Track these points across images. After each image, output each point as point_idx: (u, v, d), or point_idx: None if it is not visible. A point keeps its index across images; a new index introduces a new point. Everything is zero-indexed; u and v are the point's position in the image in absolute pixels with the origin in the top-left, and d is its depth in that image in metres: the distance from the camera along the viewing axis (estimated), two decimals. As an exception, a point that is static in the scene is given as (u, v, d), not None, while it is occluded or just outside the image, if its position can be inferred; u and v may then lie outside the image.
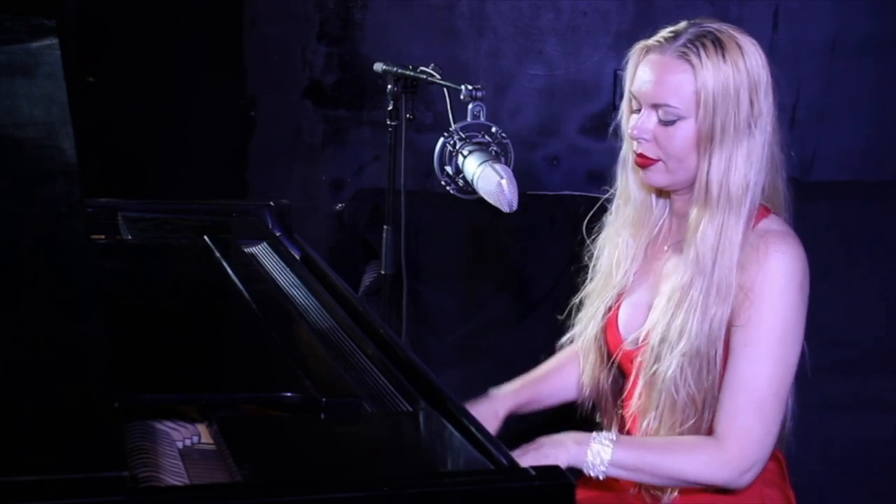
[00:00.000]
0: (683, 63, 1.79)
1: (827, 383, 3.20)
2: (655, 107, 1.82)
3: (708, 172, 1.80)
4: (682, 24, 1.83)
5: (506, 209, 1.95)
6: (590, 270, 2.06)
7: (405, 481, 1.26)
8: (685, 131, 1.80)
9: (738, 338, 1.80)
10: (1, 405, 1.20)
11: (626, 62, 1.88)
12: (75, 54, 3.55)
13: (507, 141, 2.10)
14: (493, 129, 2.11)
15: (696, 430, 1.83)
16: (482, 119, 2.12)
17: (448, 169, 2.11)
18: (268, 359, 1.62)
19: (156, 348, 1.61)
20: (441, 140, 2.12)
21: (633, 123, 1.86)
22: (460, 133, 2.10)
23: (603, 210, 2.06)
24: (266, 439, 1.42)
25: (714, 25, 1.82)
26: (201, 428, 1.49)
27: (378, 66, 2.55)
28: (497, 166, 1.97)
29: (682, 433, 1.83)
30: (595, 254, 2.05)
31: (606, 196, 2.04)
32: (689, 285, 1.82)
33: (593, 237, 2.07)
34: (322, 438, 1.44)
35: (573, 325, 2.08)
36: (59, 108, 1.87)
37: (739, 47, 1.79)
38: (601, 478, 1.78)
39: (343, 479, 1.28)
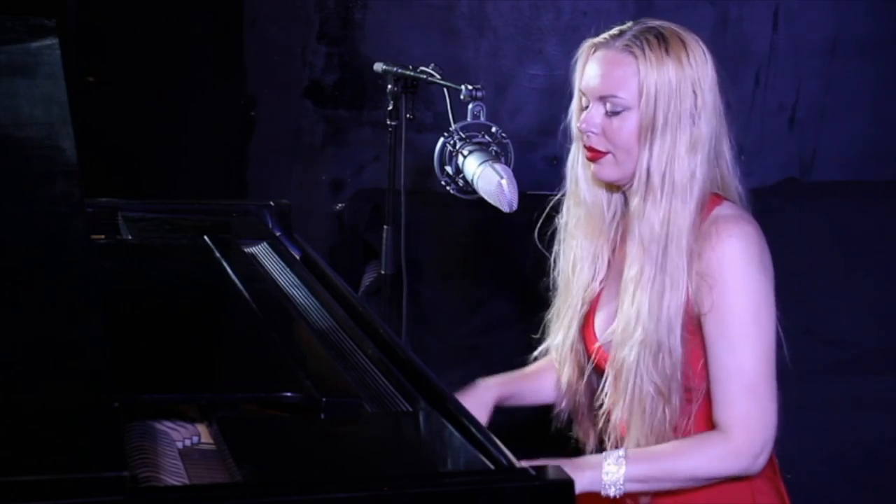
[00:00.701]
0: (628, 56, 1.84)
1: (827, 383, 3.20)
2: (602, 99, 1.86)
3: (649, 161, 1.83)
4: (629, 23, 1.89)
5: (506, 209, 1.95)
6: (553, 282, 2.07)
7: (405, 481, 1.26)
8: (631, 122, 1.84)
9: (710, 327, 1.82)
10: (1, 405, 1.20)
11: (575, 62, 1.93)
12: (75, 54, 3.55)
13: (507, 141, 2.10)
14: (493, 129, 2.11)
15: (665, 420, 1.85)
16: (482, 119, 2.12)
17: (448, 169, 2.11)
18: (268, 359, 1.62)
19: (156, 348, 1.61)
20: (441, 140, 2.12)
21: (582, 117, 1.90)
22: (460, 133, 2.10)
23: (550, 218, 2.06)
24: (266, 439, 1.42)
25: (658, 23, 1.88)
26: (201, 428, 1.49)
27: (378, 66, 2.55)
28: (497, 166, 1.97)
29: (653, 424, 1.85)
30: (553, 263, 2.06)
31: (554, 199, 2.04)
32: (641, 274, 1.84)
33: (546, 242, 2.07)
34: (322, 438, 1.44)
35: (545, 338, 2.09)
36: (59, 108, 1.86)
37: (682, 42, 1.84)
38: (619, 496, 1.79)
39: (343, 479, 1.29)
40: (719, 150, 1.89)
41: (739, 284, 1.81)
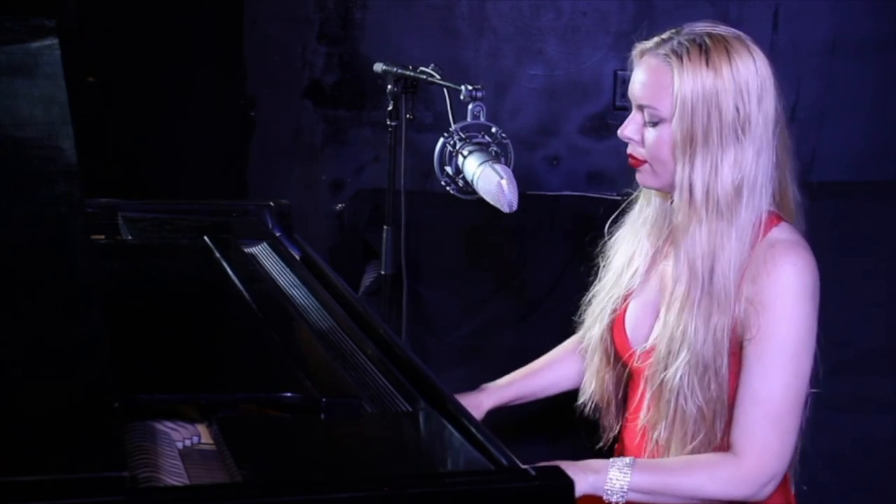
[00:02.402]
0: (665, 66, 1.80)
1: (827, 383, 3.19)
2: (641, 108, 1.84)
3: (690, 177, 1.79)
4: (682, 27, 1.84)
5: (506, 209, 1.95)
6: (600, 269, 2.06)
7: (405, 481, 1.26)
8: (666, 134, 1.81)
9: (750, 352, 1.79)
10: (1, 405, 1.20)
11: (630, 63, 1.89)
12: (75, 54, 3.55)
13: (507, 141, 2.10)
14: (493, 130, 2.11)
15: (707, 443, 1.83)
16: (482, 119, 2.12)
17: (448, 169, 2.11)
18: (268, 359, 1.62)
19: (156, 348, 1.61)
20: (441, 140, 2.12)
21: (623, 124, 1.87)
22: (460, 133, 2.10)
23: (623, 211, 2.05)
24: (266, 439, 1.42)
25: (709, 29, 1.82)
26: (201, 428, 1.49)
27: (378, 66, 2.55)
28: (497, 166, 1.97)
29: (694, 446, 1.83)
30: (608, 254, 2.05)
31: (631, 197, 2.03)
32: (687, 294, 1.81)
33: (605, 240, 2.06)
34: (322, 438, 1.44)
35: (581, 322, 2.08)
36: (59, 108, 1.86)
37: (727, 51, 1.78)
38: (621, 503, 1.77)
39: (343, 479, 1.29)
40: (780, 162, 1.83)
41: (788, 313, 1.77)
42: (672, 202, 1.88)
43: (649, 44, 1.84)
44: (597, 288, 2.05)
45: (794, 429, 1.80)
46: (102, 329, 1.36)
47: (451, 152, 2.10)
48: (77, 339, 1.35)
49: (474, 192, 2.04)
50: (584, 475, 1.76)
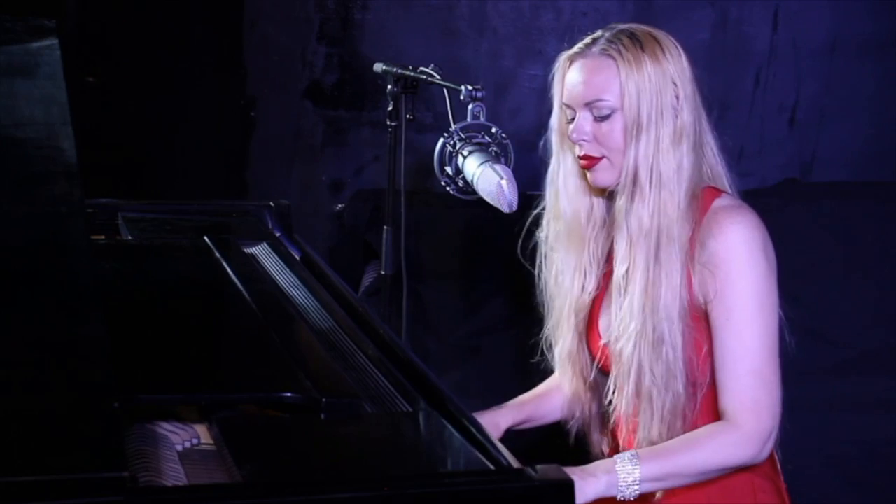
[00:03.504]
0: (606, 59, 1.86)
1: (827, 383, 3.20)
2: (588, 105, 1.88)
3: (636, 158, 1.85)
4: (598, 31, 1.91)
5: (506, 209, 1.95)
6: (545, 302, 2.07)
7: (405, 481, 1.26)
8: (619, 123, 1.86)
9: (715, 314, 1.83)
10: (1, 405, 1.20)
11: (552, 77, 1.94)
12: (75, 54, 3.55)
13: (507, 141, 2.11)
14: (493, 130, 2.11)
15: (675, 411, 1.86)
16: (482, 119, 2.12)
17: (448, 169, 2.11)
18: (268, 359, 1.62)
19: (155, 348, 1.61)
20: (441, 140, 2.12)
21: (571, 128, 1.90)
22: (460, 133, 2.10)
23: (531, 233, 2.06)
24: (266, 439, 1.42)
25: (627, 25, 1.91)
26: (201, 429, 1.49)
27: (378, 67, 2.55)
28: (497, 167, 1.98)
29: (663, 416, 1.86)
30: (541, 287, 2.07)
31: (531, 216, 2.05)
32: (633, 268, 1.86)
33: (528, 260, 2.08)
34: (322, 438, 1.44)
35: (544, 356, 2.10)
36: (59, 109, 1.86)
37: (655, 39, 1.88)
38: (634, 497, 1.79)
39: (343, 479, 1.28)
40: (703, 140, 1.91)
41: (743, 270, 1.82)
42: (595, 199, 1.95)
43: (578, 48, 1.91)
44: (549, 320, 2.07)
45: (777, 381, 1.84)
46: (102, 329, 1.36)
47: (451, 152, 2.10)
48: (77, 340, 1.35)
49: (474, 192, 2.04)
50: (596, 478, 1.77)
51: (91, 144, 2.08)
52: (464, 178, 2.07)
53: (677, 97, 1.86)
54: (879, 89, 3.87)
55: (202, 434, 1.48)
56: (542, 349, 2.11)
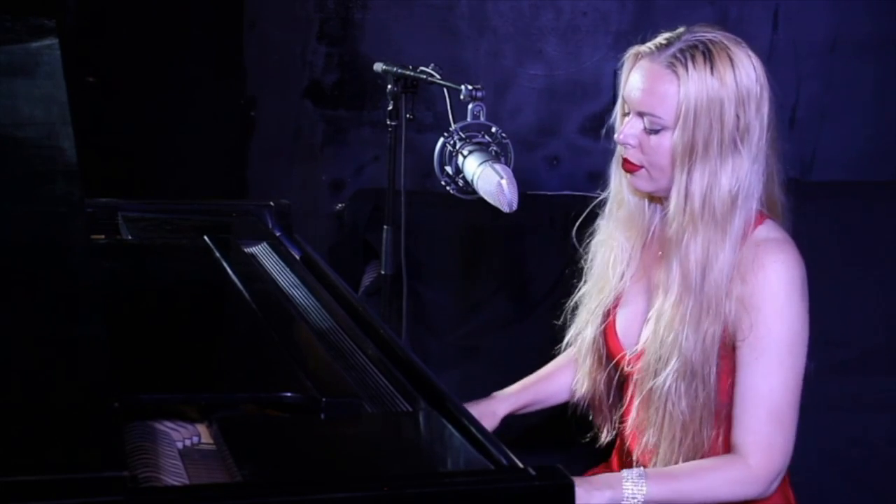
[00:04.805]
0: (670, 73, 1.78)
1: (827, 383, 3.19)
2: (641, 115, 1.83)
3: (688, 186, 1.79)
4: (679, 31, 1.83)
5: (506, 209, 1.95)
6: (584, 273, 2.06)
7: (405, 481, 1.26)
8: (668, 141, 1.80)
9: (746, 352, 1.80)
10: (1, 405, 1.20)
11: (621, 65, 1.88)
12: (75, 54, 3.55)
13: (507, 141, 2.10)
14: (493, 129, 2.11)
15: (695, 448, 1.85)
16: (482, 119, 2.12)
17: (448, 169, 2.11)
18: (268, 359, 1.62)
19: (156, 348, 1.61)
20: (441, 140, 2.12)
21: (621, 128, 1.87)
22: (460, 133, 2.10)
23: (595, 213, 2.06)
24: (266, 439, 1.42)
25: (709, 35, 1.81)
26: (201, 428, 1.49)
27: (378, 66, 2.55)
28: (497, 166, 1.97)
29: (682, 451, 1.84)
30: (589, 256, 2.05)
31: (599, 199, 2.04)
32: (679, 302, 1.82)
33: (586, 242, 2.06)
34: (322, 438, 1.44)
35: (569, 328, 2.09)
36: (59, 108, 1.86)
37: (731, 59, 1.78)
38: None
39: (343, 479, 1.28)
40: (771, 169, 1.85)
41: (780, 310, 1.78)
42: (665, 210, 1.87)
43: (648, 48, 1.83)
44: (582, 291, 2.06)
45: (794, 424, 1.82)
46: (102, 329, 1.36)
47: (451, 152, 2.10)
48: (77, 339, 1.35)
49: (474, 192, 2.04)
50: (601, 492, 1.76)
51: (91, 144, 2.08)
52: (464, 178, 2.07)
53: (739, 128, 1.77)
54: (879, 89, 3.87)
55: (202, 433, 1.48)
56: (565, 315, 2.09)
